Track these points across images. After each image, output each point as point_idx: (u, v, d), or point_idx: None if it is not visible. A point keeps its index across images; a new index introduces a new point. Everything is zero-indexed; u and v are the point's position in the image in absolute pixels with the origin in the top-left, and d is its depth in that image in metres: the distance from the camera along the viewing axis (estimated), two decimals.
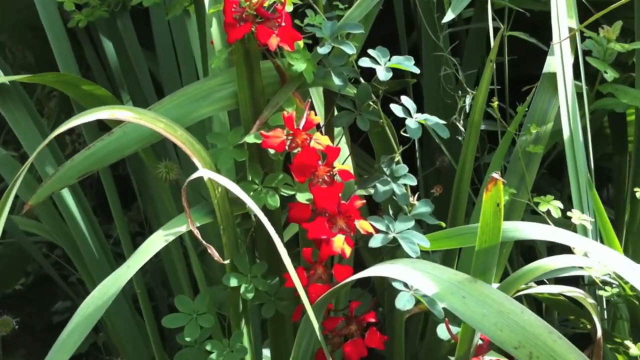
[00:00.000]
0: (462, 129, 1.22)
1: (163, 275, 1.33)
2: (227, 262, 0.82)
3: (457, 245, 0.88)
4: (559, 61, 0.93)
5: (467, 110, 1.20)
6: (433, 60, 1.32)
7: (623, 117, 1.28)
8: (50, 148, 1.06)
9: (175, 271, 1.20)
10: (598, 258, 0.79)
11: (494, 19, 1.30)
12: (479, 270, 0.75)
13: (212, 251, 0.73)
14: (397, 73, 1.38)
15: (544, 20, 1.28)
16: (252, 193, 0.86)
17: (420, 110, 1.40)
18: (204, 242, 0.74)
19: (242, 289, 0.88)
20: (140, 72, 1.27)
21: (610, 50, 1.11)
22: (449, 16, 1.06)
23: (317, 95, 1.01)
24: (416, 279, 0.75)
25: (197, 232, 0.74)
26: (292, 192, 0.88)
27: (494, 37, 1.11)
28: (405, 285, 0.85)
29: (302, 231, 0.95)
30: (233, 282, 0.88)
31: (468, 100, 1.21)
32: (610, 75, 1.09)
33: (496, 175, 0.69)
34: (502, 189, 0.69)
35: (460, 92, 1.21)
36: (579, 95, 1.03)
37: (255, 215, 0.91)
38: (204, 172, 0.74)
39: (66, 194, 1.03)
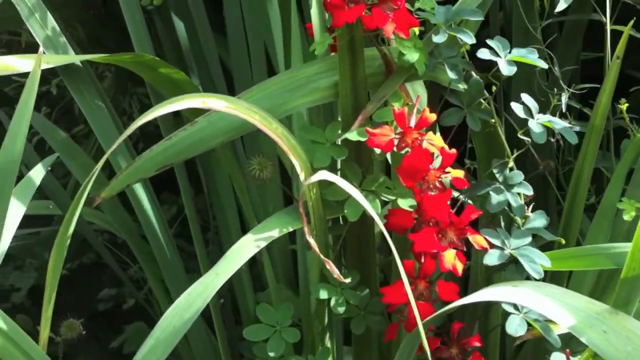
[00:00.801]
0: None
1: None
2: (348, 280, 0.73)
3: (586, 267, 0.78)
4: None
5: (564, 110, 1.11)
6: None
7: None
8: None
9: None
10: None
11: (594, 11, 1.20)
12: (621, 301, 0.65)
13: (331, 267, 0.64)
14: (480, 64, 1.29)
15: None
16: (350, 197, 0.77)
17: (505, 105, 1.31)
18: (322, 256, 0.65)
19: (332, 302, 0.80)
20: (210, 57, 1.18)
21: None
22: (562, 5, 0.95)
23: (411, 90, 0.91)
24: (547, 307, 0.65)
25: (315, 246, 0.65)
26: (393, 197, 0.78)
27: (609, 31, 1.01)
28: (515, 307, 0.75)
29: (397, 240, 0.85)
30: (323, 294, 0.79)
31: (564, 98, 1.11)
32: None
33: None
34: None
35: (556, 89, 1.12)
36: None
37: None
38: (323, 175, 0.65)
39: (138, 186, 0.94)
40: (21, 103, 0.67)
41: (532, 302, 0.66)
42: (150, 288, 1.16)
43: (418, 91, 0.89)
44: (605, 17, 1.14)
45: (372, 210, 0.66)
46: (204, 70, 1.17)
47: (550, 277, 0.88)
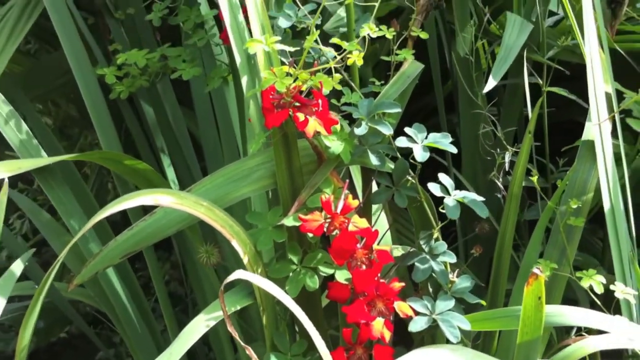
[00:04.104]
0: (501, 186, 1.21)
1: None
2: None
3: (498, 328, 0.87)
4: (599, 141, 0.93)
5: (507, 168, 1.19)
6: (470, 116, 1.32)
7: None
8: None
9: (215, 329, 1.21)
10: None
11: (531, 74, 1.29)
12: None
13: (251, 353, 0.74)
14: (435, 125, 1.38)
15: (580, 71, 1.27)
16: (291, 274, 0.87)
17: (457, 165, 1.40)
18: (242, 343, 0.74)
19: None
20: (180, 134, 1.29)
21: None
22: (491, 84, 1.05)
23: (355, 169, 1.01)
24: None
25: (235, 334, 0.74)
26: (332, 271, 0.88)
27: (541, 90, 1.09)
28: None
29: (341, 310, 0.95)
30: None
31: (507, 157, 1.20)
32: None
33: (537, 270, 0.68)
34: (543, 283, 0.68)
35: (499, 149, 1.21)
36: (618, 155, 1.02)
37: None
38: (241, 274, 0.75)
39: (110, 271, 1.04)
40: None
41: None
42: None
43: (356, 172, 0.99)
44: (541, 78, 1.24)
45: (289, 299, 0.75)
46: (175, 147, 1.28)
47: (484, 336, 0.97)
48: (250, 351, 0.73)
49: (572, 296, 1.14)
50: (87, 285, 1.17)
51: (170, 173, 1.27)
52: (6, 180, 0.82)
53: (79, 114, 1.87)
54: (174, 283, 1.58)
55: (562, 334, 1.08)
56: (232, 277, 0.73)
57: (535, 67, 1.28)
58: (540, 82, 1.24)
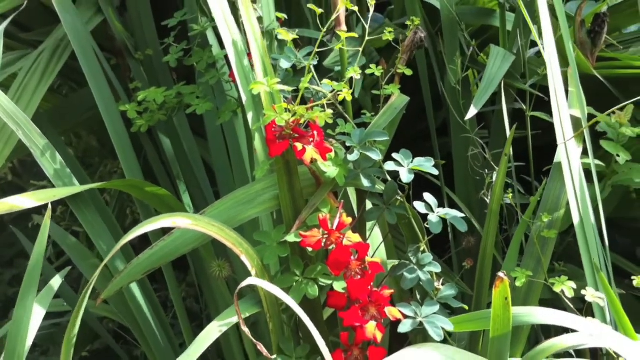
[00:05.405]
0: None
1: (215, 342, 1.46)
2: (274, 357, 0.94)
3: (478, 329, 0.98)
4: (565, 159, 1.03)
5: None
6: (461, 140, 1.43)
7: None
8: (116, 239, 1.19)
9: (228, 339, 1.32)
10: (603, 338, 0.88)
11: (515, 100, 1.41)
12: (494, 356, 0.85)
13: (261, 348, 0.85)
14: (431, 148, 1.48)
15: None
16: (294, 284, 0.98)
17: (450, 184, 1.51)
18: (253, 339, 0.86)
19: None
20: (194, 163, 1.41)
21: (622, 135, 1.21)
22: (472, 112, 1.17)
23: (352, 191, 1.12)
24: None
25: (248, 332, 0.86)
26: (330, 282, 0.99)
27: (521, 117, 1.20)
28: None
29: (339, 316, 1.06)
30: None
31: (495, 177, 1.31)
32: (622, 158, 1.19)
33: (502, 274, 0.79)
34: (508, 285, 0.79)
35: (487, 169, 1.32)
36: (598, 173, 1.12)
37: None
38: (252, 280, 0.86)
39: (134, 287, 1.16)
40: (35, 253, 0.90)
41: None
42: None
43: (353, 192, 1.11)
44: (525, 105, 1.36)
45: (295, 303, 0.86)
46: (190, 175, 1.40)
47: (470, 336, 1.08)
48: (261, 347, 0.84)
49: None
50: (113, 303, 1.28)
51: (186, 198, 1.39)
52: (49, 205, 0.94)
53: (99, 145, 2.01)
54: (190, 300, 1.70)
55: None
56: (245, 283, 0.85)
57: (521, 94, 1.40)
58: (524, 107, 1.36)
